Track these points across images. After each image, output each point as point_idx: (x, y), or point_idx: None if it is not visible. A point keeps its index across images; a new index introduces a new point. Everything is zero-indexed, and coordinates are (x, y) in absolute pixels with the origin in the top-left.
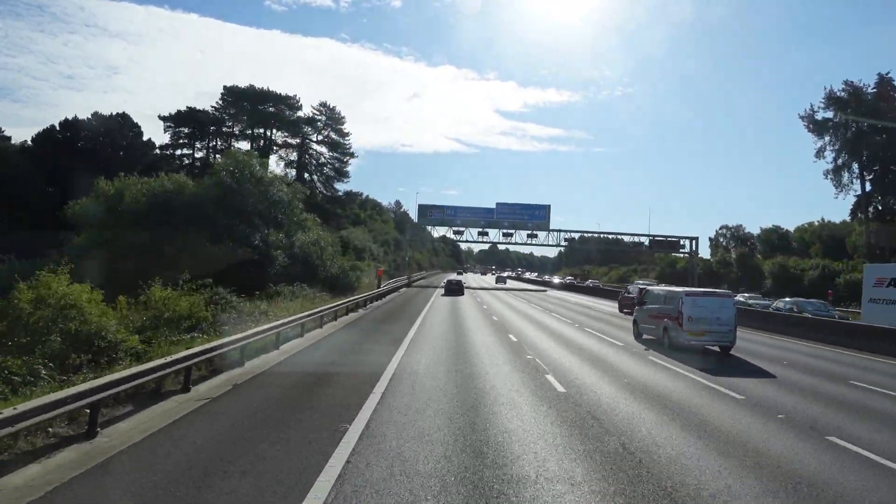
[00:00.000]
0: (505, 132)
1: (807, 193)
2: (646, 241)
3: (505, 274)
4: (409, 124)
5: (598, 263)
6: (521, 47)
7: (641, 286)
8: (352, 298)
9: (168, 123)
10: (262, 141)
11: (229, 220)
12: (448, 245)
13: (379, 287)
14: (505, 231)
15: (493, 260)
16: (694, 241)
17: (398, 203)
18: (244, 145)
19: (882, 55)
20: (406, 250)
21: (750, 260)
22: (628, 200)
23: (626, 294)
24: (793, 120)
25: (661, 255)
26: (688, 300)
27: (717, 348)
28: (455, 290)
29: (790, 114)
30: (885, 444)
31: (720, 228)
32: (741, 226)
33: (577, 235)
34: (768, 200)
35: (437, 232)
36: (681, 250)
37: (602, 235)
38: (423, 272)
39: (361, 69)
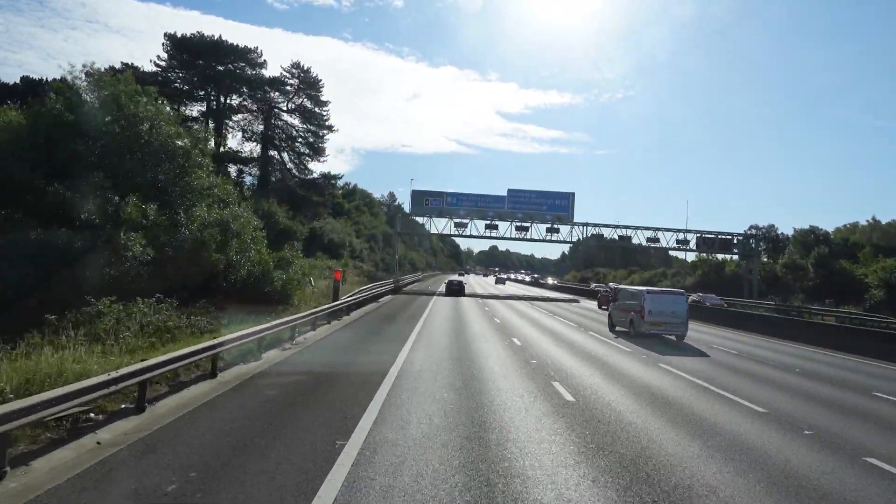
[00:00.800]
0: (505, 134)
1: (829, 194)
2: (692, 239)
3: (504, 276)
4: (410, 124)
5: (612, 266)
6: (523, 49)
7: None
8: (218, 342)
9: None
10: (215, 104)
11: (39, 175)
12: (447, 245)
13: (335, 299)
14: (518, 224)
15: (493, 262)
16: (754, 241)
17: (391, 195)
18: (196, 112)
19: (888, 52)
20: (396, 246)
21: (832, 263)
22: (633, 203)
23: (604, 292)
24: (802, 118)
25: (704, 256)
26: (648, 297)
27: (673, 337)
28: (456, 290)
29: (799, 112)
30: (695, 370)
31: (749, 229)
32: (773, 226)
33: (605, 232)
34: (785, 201)
35: (436, 227)
36: (734, 251)
37: (639, 231)
38: (417, 274)
39: (363, 69)
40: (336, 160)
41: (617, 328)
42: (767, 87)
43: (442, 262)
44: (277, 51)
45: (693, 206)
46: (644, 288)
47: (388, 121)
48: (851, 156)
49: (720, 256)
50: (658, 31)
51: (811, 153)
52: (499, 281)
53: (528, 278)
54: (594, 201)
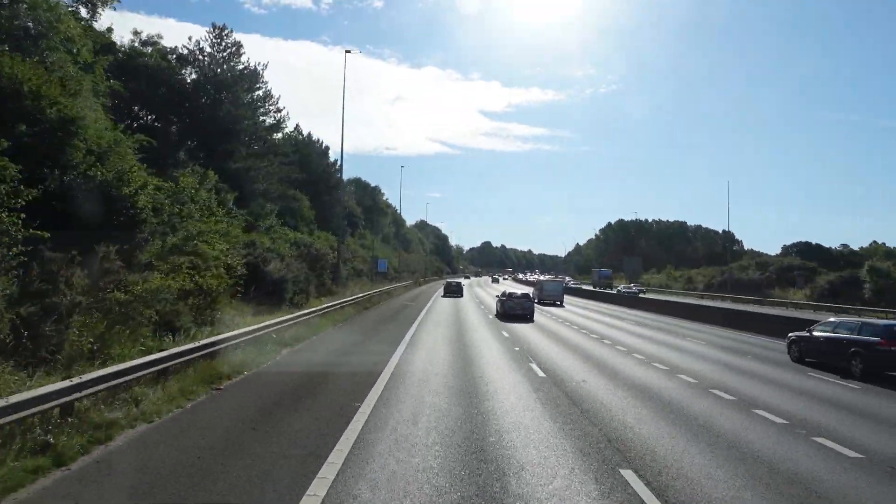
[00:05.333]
0: (489, 133)
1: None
2: None
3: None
4: (393, 127)
5: (654, 259)
6: (505, 46)
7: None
8: None
9: None
10: None
11: None
12: (428, 234)
13: None
14: None
15: (488, 259)
16: None
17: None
18: None
19: (879, 53)
20: None
21: None
22: (623, 198)
23: (536, 283)
24: (792, 117)
25: None
26: (545, 283)
27: (558, 303)
28: (454, 290)
29: (790, 110)
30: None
31: None
32: None
33: None
34: (776, 201)
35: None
36: None
37: None
38: (343, 297)
39: (343, 72)
40: None
41: (536, 300)
42: (755, 80)
43: (424, 261)
44: (256, 58)
45: (683, 200)
46: (544, 278)
47: (371, 124)
48: (850, 159)
49: None
50: (642, 24)
51: (806, 151)
52: (494, 280)
53: (566, 280)
54: (582, 197)
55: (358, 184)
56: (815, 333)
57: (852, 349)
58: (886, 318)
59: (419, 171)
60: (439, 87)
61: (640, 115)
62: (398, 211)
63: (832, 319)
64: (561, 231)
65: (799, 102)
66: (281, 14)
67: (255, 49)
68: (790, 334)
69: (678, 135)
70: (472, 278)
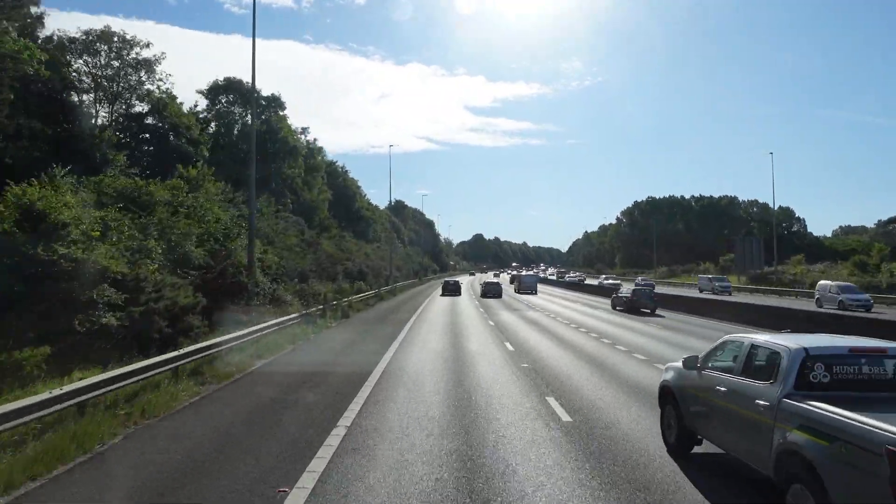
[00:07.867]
0: (475, 128)
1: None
2: None
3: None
4: (379, 126)
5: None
6: (490, 41)
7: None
8: None
9: None
10: None
11: None
12: (412, 220)
13: None
14: None
15: (482, 253)
16: None
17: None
18: None
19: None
20: None
21: None
22: (614, 192)
23: (515, 276)
24: (779, 104)
25: None
26: (522, 275)
27: (532, 292)
28: (452, 289)
29: (772, 96)
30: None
31: None
32: None
33: None
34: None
35: None
36: None
37: None
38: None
39: (328, 71)
40: None
41: (514, 291)
42: (740, 70)
43: (378, 256)
44: (237, 59)
45: (683, 187)
46: (522, 273)
47: (357, 123)
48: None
49: None
50: (628, 17)
51: (799, 144)
52: (494, 276)
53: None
54: (574, 189)
55: (239, 91)
56: (618, 294)
57: (624, 299)
58: None
59: (406, 169)
60: (425, 84)
61: (628, 106)
62: (343, 167)
63: (625, 287)
64: (554, 223)
65: (787, 94)
66: (261, 13)
67: (236, 49)
68: (613, 295)
69: (666, 125)
70: (478, 275)
